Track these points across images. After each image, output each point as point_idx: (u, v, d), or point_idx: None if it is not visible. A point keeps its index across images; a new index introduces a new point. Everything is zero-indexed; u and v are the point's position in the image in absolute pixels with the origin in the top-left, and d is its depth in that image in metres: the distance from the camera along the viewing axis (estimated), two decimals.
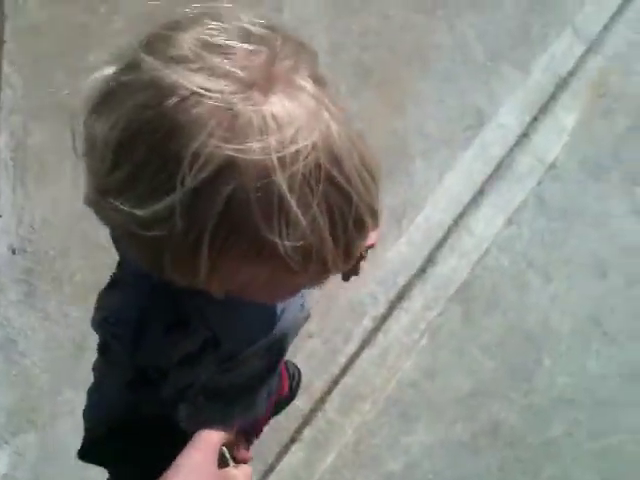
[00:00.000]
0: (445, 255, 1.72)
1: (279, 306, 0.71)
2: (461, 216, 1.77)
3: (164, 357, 0.62)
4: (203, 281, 0.47)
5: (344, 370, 1.59)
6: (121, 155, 0.43)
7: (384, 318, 1.65)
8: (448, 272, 1.71)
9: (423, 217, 1.77)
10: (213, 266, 0.45)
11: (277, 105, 0.43)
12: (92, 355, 1.50)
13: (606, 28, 2.01)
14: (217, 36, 0.44)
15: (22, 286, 1.63)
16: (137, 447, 0.65)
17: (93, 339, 0.70)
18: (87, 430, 0.69)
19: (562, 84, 1.94)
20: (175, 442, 0.61)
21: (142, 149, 0.42)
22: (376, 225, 0.50)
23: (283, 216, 0.43)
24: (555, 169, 1.82)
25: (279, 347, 0.78)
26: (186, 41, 0.44)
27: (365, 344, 1.62)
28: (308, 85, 0.45)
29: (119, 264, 0.66)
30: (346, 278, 0.94)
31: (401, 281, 1.69)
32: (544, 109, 1.90)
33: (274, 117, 0.42)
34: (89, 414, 0.70)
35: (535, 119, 1.89)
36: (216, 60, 0.43)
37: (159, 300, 0.59)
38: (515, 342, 1.62)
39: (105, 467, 0.71)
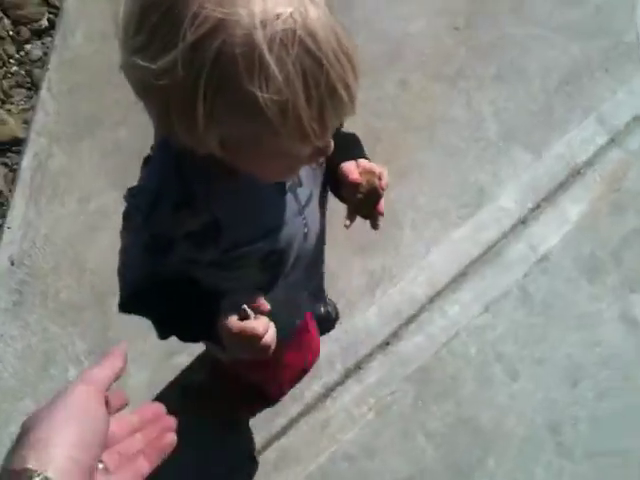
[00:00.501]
0: (412, 332, 1.69)
1: (279, 217, 0.82)
2: (438, 294, 1.73)
3: (170, 230, 0.75)
4: (202, 135, 0.59)
5: (284, 430, 1.59)
6: (141, 21, 0.57)
7: (336, 385, 1.64)
8: (411, 350, 1.67)
9: (399, 289, 1.75)
10: (208, 116, 0.57)
11: None
12: (58, 372, 1.58)
13: (635, 119, 1.91)
14: None
15: (13, 296, 1.78)
16: (164, 298, 0.80)
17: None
18: (120, 288, 0.83)
19: (575, 174, 1.86)
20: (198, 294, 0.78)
21: (156, 15, 0.56)
22: (352, 105, 0.61)
23: (263, 71, 0.54)
24: (547, 262, 1.74)
25: (276, 261, 0.86)
26: None
27: (310, 408, 1.62)
28: None
29: (152, 147, 0.80)
30: (375, 225, 0.95)
31: (362, 351, 1.68)
32: (550, 197, 1.83)
33: None
34: (120, 273, 0.83)
35: (538, 206, 1.82)
36: None
37: (173, 179, 0.72)
38: (463, 436, 1.56)
39: (143, 315, 0.84)
